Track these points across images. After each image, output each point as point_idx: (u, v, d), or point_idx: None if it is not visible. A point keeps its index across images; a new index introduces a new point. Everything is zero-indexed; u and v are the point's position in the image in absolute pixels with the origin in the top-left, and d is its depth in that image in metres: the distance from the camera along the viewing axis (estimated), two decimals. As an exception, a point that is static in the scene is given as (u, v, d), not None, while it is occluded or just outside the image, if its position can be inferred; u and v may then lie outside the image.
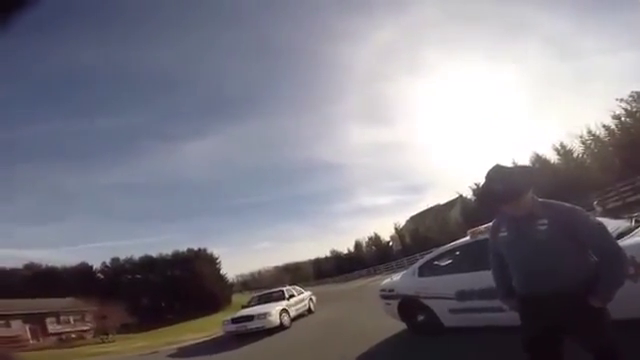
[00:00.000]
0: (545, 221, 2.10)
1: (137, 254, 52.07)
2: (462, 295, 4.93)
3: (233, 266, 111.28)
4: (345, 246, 62.32)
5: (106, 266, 51.16)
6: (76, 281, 42.24)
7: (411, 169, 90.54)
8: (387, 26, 71.96)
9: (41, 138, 64.18)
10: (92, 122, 65.42)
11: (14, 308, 29.76)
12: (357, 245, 58.31)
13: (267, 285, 44.39)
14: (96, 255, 74.05)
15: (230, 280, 59.42)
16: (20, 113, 63.06)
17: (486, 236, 3.00)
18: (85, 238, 79.30)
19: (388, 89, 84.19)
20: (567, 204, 2.21)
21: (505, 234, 2.30)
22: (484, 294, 4.43)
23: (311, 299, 15.48)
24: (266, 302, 13.59)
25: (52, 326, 32.89)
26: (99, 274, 50.68)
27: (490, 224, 2.63)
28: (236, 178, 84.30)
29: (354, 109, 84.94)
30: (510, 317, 2.61)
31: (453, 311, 5.13)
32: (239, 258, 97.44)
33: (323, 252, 70.52)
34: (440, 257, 5.71)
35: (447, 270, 5.43)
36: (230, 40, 70.76)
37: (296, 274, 66.36)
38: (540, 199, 2.21)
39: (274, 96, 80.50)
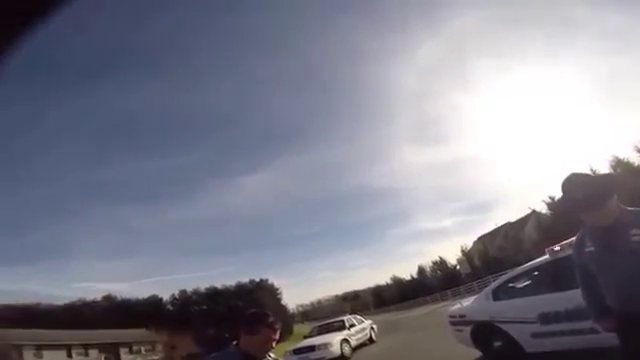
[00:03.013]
0: (639, 231, 1.93)
1: (203, 286, 53.94)
2: (546, 318, 4.59)
3: (294, 296, 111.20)
4: (407, 272, 59.57)
5: (175, 298, 53.51)
6: (147, 313, 44.56)
7: (475, 187, 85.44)
8: (426, 41, 70.98)
9: (112, 181, 71.06)
10: (153, 163, 71.11)
11: (91, 338, 32.09)
12: (420, 270, 55.63)
13: (327, 315, 43.43)
14: (166, 287, 78.32)
15: (291, 310, 59.25)
16: (92, 159, 70.62)
17: (568, 253, 2.84)
18: (155, 272, 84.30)
19: (440, 106, 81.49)
20: None
21: (592, 249, 2.11)
22: (572, 315, 4.14)
23: (372, 328, 15.28)
24: (327, 332, 13.71)
25: (125, 356, 34.92)
26: (168, 306, 53.08)
27: (572, 240, 2.50)
28: (293, 209, 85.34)
29: (407, 130, 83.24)
30: (605, 339, 2.47)
31: (536, 335, 4.76)
32: (299, 288, 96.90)
33: (383, 279, 67.86)
34: (516, 279, 5.46)
35: (526, 292, 5.17)
36: (274, 72, 73.79)
37: (356, 303, 64.35)
38: (629, 208, 2.06)
39: (323, 124, 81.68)
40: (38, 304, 40.95)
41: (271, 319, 2.06)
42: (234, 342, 2.05)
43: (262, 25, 65.78)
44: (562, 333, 4.41)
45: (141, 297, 51.47)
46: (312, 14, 66.52)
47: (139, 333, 37.60)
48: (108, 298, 48.72)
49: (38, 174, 64.27)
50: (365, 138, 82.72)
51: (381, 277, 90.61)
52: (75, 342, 31.63)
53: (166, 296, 53.48)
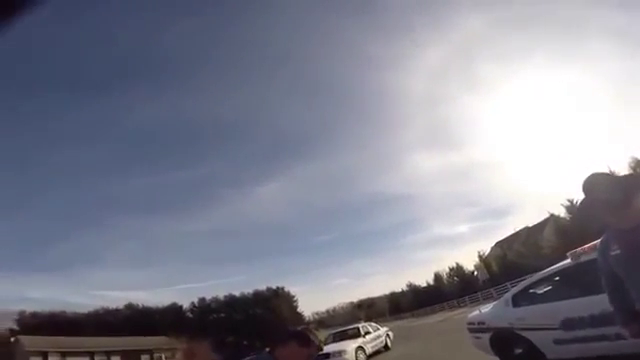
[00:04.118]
0: None
1: (221, 294, 54.67)
2: (569, 324, 4.46)
3: (309, 304, 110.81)
4: (423, 279, 58.80)
5: (194, 306, 54.34)
6: (168, 320, 45.33)
7: (491, 192, 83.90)
8: (432, 45, 70.40)
9: (132, 192, 72.68)
10: (171, 175, 72.60)
11: (113, 345, 32.88)
12: (437, 277, 54.77)
13: (342, 322, 43.22)
14: (186, 295, 79.47)
15: (306, 318, 59.39)
16: (111, 170, 72.96)
17: (590, 257, 2.86)
18: (175, 280, 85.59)
19: (451, 110, 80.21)
20: None
21: (618, 252, 2.01)
22: (596, 321, 4.03)
23: (388, 335, 15.29)
24: (342, 340, 13.70)
25: (146, 363, 35.33)
26: (188, 313, 53.82)
27: (594, 243, 2.52)
28: (307, 218, 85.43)
29: (418, 136, 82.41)
30: (632, 344, 2.45)
31: (558, 342, 4.64)
32: (315, 296, 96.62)
33: (399, 286, 67.02)
34: (537, 284, 5.37)
35: (547, 298, 5.08)
36: (284, 81, 74.35)
37: (371, 310, 63.76)
38: None
39: (334, 132, 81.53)
40: (63, 312, 42.41)
41: (319, 341, 2.23)
42: (267, 349, 2.12)
43: (270, 35, 66.71)
44: (586, 339, 4.29)
45: (161, 305, 52.50)
46: (320, 23, 67.05)
47: (160, 340, 38.23)
48: (130, 306, 49.85)
49: (60, 185, 66.82)
50: (376, 144, 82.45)
51: (397, 284, 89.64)
52: (98, 349, 32.45)
53: (186, 304, 54.44)
